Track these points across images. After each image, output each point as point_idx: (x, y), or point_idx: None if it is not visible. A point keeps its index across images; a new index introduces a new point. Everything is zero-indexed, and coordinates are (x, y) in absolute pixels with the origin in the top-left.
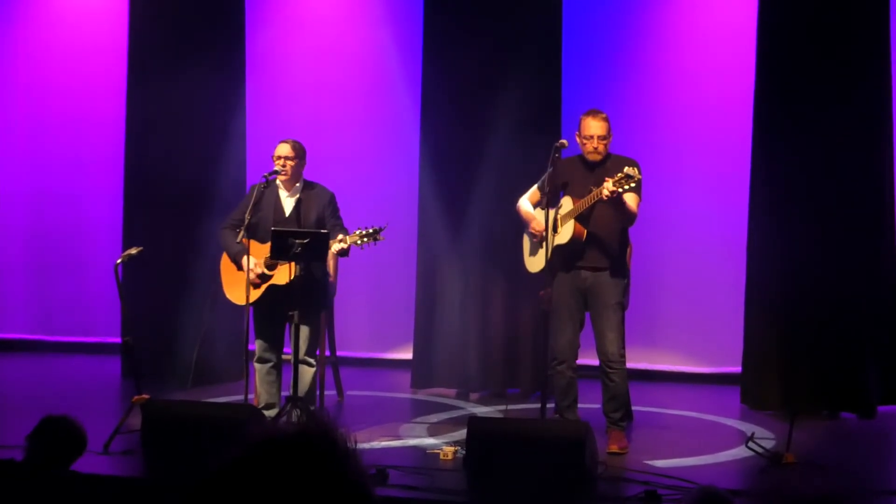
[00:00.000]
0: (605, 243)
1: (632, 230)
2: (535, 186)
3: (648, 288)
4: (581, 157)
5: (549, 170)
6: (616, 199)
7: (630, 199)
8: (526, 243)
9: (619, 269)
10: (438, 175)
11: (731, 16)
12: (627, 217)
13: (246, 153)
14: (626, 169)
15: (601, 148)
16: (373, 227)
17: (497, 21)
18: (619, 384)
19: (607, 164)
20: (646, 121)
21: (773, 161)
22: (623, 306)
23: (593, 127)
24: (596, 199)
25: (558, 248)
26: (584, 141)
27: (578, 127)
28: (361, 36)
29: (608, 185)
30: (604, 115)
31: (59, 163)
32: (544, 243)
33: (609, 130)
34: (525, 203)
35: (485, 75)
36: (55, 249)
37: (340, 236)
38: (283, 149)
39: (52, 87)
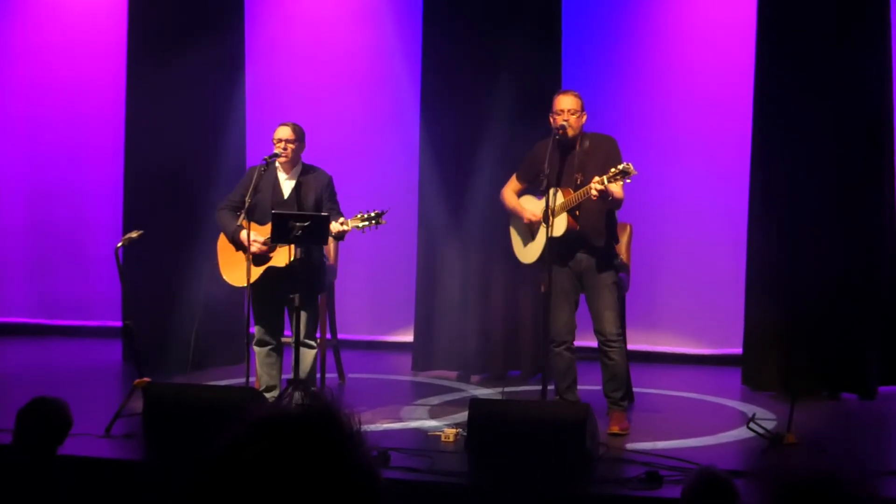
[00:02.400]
0: (598, 228)
1: (634, 213)
2: (514, 176)
3: (650, 269)
4: (555, 140)
5: (549, 154)
6: (603, 194)
7: (615, 187)
8: (514, 235)
9: (612, 250)
10: (439, 161)
11: (731, 9)
12: (615, 205)
13: (245, 146)
14: (621, 166)
15: (571, 121)
16: (375, 210)
17: (497, 14)
18: (618, 362)
19: (586, 144)
20: (647, 110)
21: (774, 145)
22: (619, 286)
23: (563, 101)
24: (585, 196)
25: (552, 241)
26: (556, 116)
27: (551, 108)
28: (362, 27)
29: (595, 186)
30: (574, 92)
31: (59, 150)
32: (540, 235)
33: (581, 106)
34: (510, 194)
35: (485, 66)
36: (56, 234)
37: (342, 219)
38: (284, 131)
39: (52, 76)
